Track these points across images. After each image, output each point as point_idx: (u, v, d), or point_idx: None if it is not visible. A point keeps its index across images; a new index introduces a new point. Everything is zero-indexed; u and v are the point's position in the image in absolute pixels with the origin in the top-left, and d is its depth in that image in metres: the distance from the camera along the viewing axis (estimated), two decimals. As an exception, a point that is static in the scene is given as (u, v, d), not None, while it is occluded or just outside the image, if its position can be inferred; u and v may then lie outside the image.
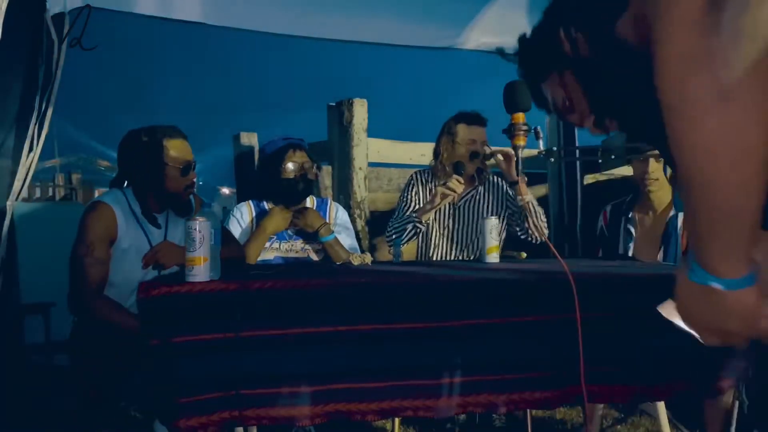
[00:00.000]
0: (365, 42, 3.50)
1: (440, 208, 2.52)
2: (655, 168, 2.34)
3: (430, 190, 2.55)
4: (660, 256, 2.34)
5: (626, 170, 3.80)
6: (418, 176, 2.62)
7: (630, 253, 2.42)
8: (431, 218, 2.53)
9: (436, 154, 2.57)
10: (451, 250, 2.56)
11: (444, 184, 2.37)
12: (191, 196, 2.17)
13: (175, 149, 2.06)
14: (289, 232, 2.47)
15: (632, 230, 2.43)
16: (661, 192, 2.38)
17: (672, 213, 2.34)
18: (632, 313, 1.45)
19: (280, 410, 1.33)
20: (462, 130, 2.49)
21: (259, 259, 2.44)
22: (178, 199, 2.09)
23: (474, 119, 2.51)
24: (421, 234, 2.52)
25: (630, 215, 2.44)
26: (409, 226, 2.45)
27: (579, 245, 3.73)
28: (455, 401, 1.37)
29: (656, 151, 2.28)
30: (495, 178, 2.61)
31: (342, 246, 2.42)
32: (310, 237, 2.46)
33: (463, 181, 2.36)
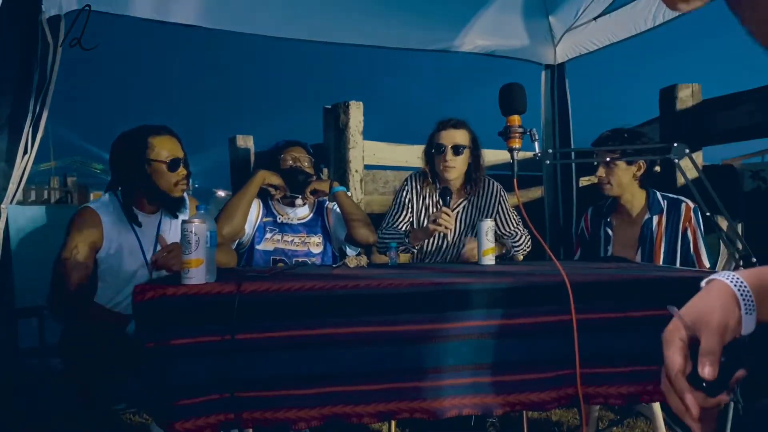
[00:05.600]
0: (361, 45, 3.51)
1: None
2: (603, 173, 2.36)
3: (424, 198, 2.56)
4: (638, 257, 2.36)
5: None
6: (412, 182, 2.58)
7: (609, 254, 2.45)
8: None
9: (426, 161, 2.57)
10: (444, 260, 2.55)
11: (434, 221, 2.27)
12: (186, 195, 2.16)
13: (161, 145, 2.04)
14: (279, 211, 2.56)
15: (610, 233, 2.46)
16: (630, 196, 2.41)
17: (647, 216, 2.37)
18: (627, 314, 1.45)
19: (276, 413, 1.33)
20: (438, 137, 2.49)
21: (261, 249, 2.46)
22: (168, 196, 2.07)
23: (447, 123, 2.50)
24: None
25: (609, 219, 2.48)
26: (400, 243, 2.43)
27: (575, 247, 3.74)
28: (451, 403, 1.38)
29: (614, 155, 2.31)
30: (489, 182, 2.58)
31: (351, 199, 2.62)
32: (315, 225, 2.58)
33: (451, 214, 2.27)
